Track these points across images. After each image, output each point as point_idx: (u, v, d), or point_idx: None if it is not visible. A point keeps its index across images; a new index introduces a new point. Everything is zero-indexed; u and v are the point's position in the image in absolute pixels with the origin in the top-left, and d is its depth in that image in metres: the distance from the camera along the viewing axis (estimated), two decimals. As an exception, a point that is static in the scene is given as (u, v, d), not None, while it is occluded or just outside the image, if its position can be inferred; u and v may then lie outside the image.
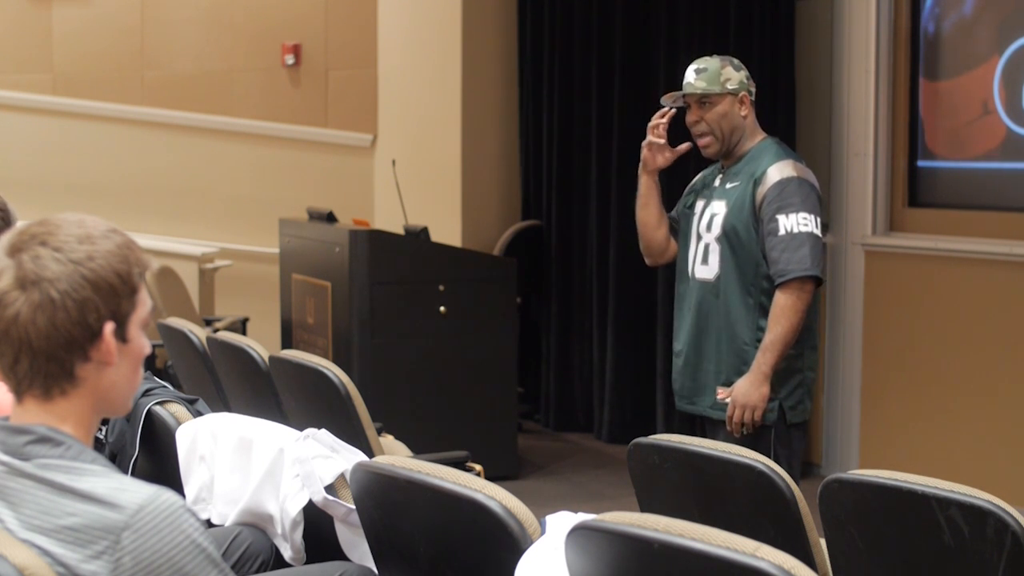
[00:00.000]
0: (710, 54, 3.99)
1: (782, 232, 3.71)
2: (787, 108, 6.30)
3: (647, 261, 4.19)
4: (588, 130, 7.03)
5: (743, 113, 3.87)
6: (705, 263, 3.87)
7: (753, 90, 3.92)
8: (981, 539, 2.33)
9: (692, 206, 3.99)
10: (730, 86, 3.85)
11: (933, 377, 5.87)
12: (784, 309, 3.70)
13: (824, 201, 6.20)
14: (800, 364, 3.81)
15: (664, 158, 4.01)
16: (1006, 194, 5.83)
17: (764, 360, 3.71)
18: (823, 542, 2.68)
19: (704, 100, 3.86)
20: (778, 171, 3.77)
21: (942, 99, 6.04)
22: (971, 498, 2.35)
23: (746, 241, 3.78)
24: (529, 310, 7.28)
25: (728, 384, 3.81)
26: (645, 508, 2.95)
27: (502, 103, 7.40)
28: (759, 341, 3.77)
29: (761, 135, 3.92)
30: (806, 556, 2.62)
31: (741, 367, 3.79)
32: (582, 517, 2.11)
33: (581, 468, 6.52)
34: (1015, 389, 5.57)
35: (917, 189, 6.14)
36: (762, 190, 3.77)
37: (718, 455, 2.79)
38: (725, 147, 3.88)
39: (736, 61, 3.92)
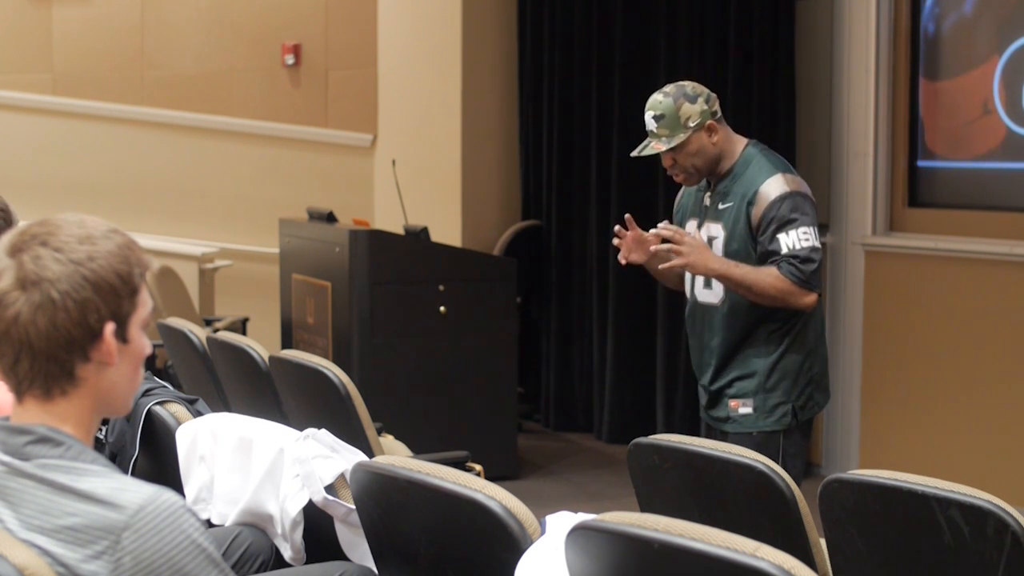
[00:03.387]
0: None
1: (784, 251, 3.68)
2: (787, 108, 6.30)
3: None
4: (588, 130, 7.03)
5: (714, 140, 3.76)
6: (708, 287, 3.83)
7: (717, 110, 3.79)
8: (981, 539, 2.33)
9: (686, 226, 3.93)
10: (692, 123, 3.74)
11: (933, 377, 5.87)
12: (773, 282, 3.65)
13: (824, 201, 6.24)
14: (807, 365, 3.81)
15: (640, 256, 3.83)
16: (1006, 194, 5.83)
17: (732, 268, 3.68)
18: (823, 542, 2.68)
19: (672, 149, 3.77)
20: (771, 188, 3.71)
21: (942, 99, 6.04)
22: (971, 498, 2.35)
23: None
24: (529, 310, 7.28)
25: (740, 396, 3.80)
26: (645, 508, 2.96)
27: (502, 103, 7.40)
28: (773, 361, 3.77)
29: (741, 144, 3.82)
30: (806, 556, 2.62)
31: (753, 380, 3.79)
32: (582, 517, 2.11)
33: (581, 468, 6.52)
34: (1015, 389, 5.58)
35: (917, 189, 6.14)
36: (758, 210, 3.71)
37: (718, 455, 2.79)
38: (704, 176, 3.84)
39: (689, 89, 3.78)
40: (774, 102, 6.27)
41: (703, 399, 3.96)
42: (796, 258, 3.67)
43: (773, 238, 3.69)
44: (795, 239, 3.68)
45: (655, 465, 2.93)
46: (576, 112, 7.10)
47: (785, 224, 3.69)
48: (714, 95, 3.82)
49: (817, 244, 3.71)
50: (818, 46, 6.29)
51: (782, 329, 3.78)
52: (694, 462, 2.85)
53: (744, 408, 3.80)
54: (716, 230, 3.81)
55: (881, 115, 6.08)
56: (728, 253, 3.77)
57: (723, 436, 3.85)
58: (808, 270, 3.67)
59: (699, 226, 3.87)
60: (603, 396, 6.97)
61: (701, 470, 2.84)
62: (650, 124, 3.81)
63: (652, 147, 3.80)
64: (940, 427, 5.84)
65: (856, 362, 6.18)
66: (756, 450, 2.90)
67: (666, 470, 2.91)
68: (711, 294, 3.84)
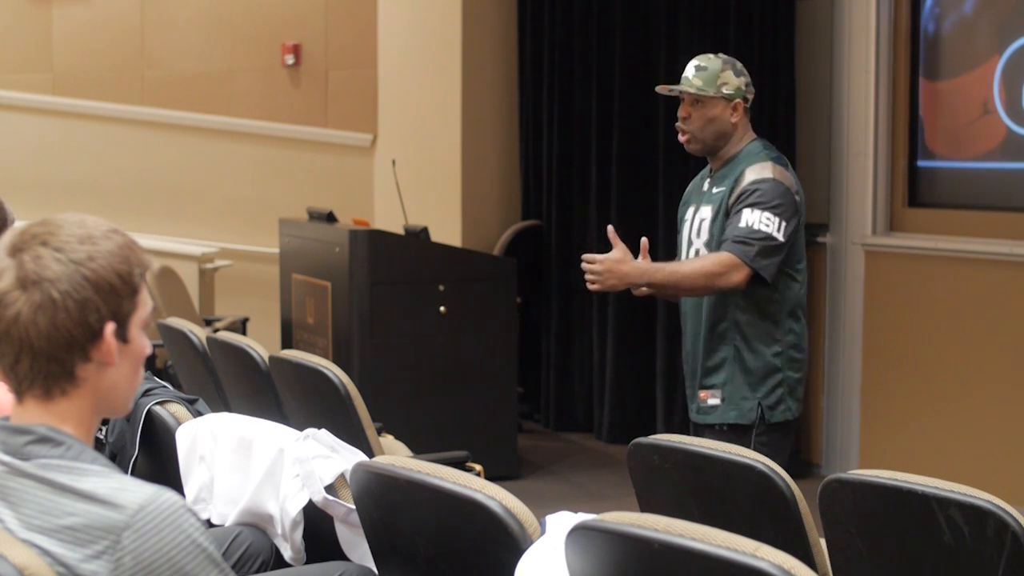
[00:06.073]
0: (716, 52, 3.97)
1: (742, 224, 3.68)
2: (787, 108, 6.30)
3: None
4: (588, 130, 7.03)
5: (733, 120, 3.82)
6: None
7: (751, 97, 3.87)
8: (981, 539, 2.33)
9: (685, 214, 3.98)
10: (726, 91, 3.81)
11: (933, 376, 5.87)
12: (705, 267, 3.67)
13: (824, 201, 6.24)
14: (779, 363, 3.79)
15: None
16: (1006, 194, 5.83)
17: (654, 273, 3.70)
18: (823, 542, 2.68)
19: (697, 99, 3.83)
20: (755, 172, 3.75)
21: (942, 99, 6.04)
22: (971, 498, 2.35)
23: None
24: (529, 310, 7.28)
25: (709, 387, 3.81)
26: (645, 508, 2.95)
27: (502, 103, 7.40)
28: (745, 353, 3.76)
29: (750, 137, 3.88)
30: (806, 556, 2.62)
31: (723, 372, 3.79)
32: (582, 517, 2.11)
33: (581, 468, 6.52)
34: (1015, 389, 5.57)
35: (917, 189, 6.14)
36: (737, 190, 3.75)
37: (718, 455, 2.79)
38: (706, 149, 3.87)
39: (739, 66, 3.87)
40: (774, 102, 6.26)
41: (688, 387, 3.97)
42: (751, 234, 3.65)
43: (738, 212, 3.71)
44: (757, 218, 3.67)
45: (655, 465, 2.93)
46: (576, 112, 7.10)
47: (754, 204, 3.69)
48: (753, 90, 3.88)
49: (776, 235, 3.67)
50: (818, 46, 6.29)
51: (759, 322, 3.78)
52: (694, 462, 2.85)
53: (712, 399, 3.80)
54: (706, 212, 3.85)
55: (881, 115, 6.08)
56: (712, 232, 3.80)
57: (696, 429, 3.86)
58: (752, 249, 3.65)
59: (695, 211, 3.90)
60: (603, 396, 6.97)
61: (701, 470, 2.84)
62: (689, 71, 3.85)
63: (683, 87, 3.83)
64: (940, 427, 5.84)
65: (856, 362, 6.17)
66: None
67: (666, 470, 2.91)
68: None
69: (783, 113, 6.29)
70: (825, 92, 6.28)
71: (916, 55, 6.08)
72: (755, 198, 3.70)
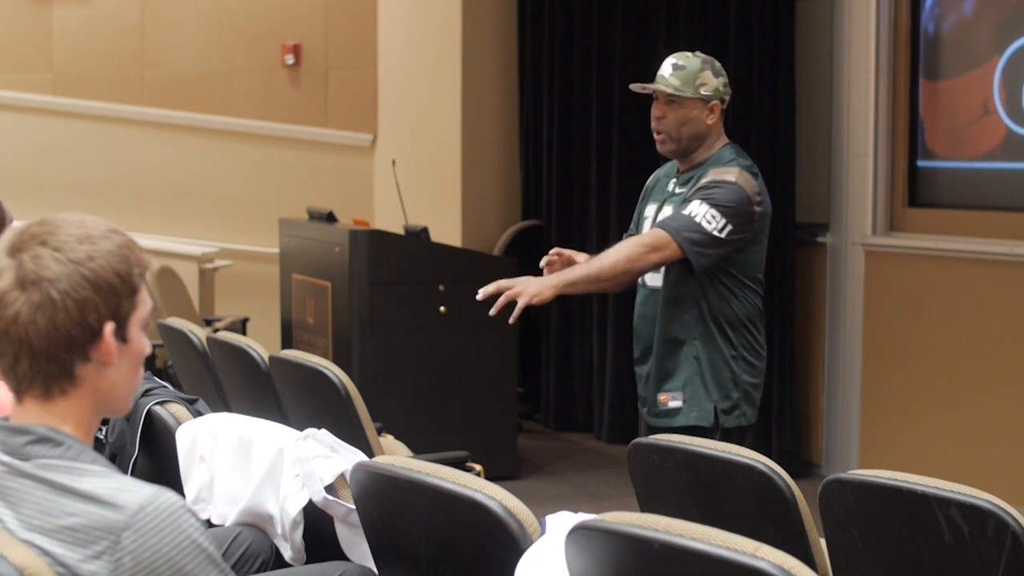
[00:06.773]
0: (712, 52, 3.93)
1: (685, 212, 3.61)
2: (787, 108, 6.30)
3: None
4: (588, 130, 7.03)
5: (709, 121, 3.74)
6: (656, 270, 3.76)
7: (727, 99, 3.80)
8: (981, 539, 2.33)
9: (645, 210, 3.92)
10: (704, 92, 3.73)
11: (933, 377, 5.87)
12: (626, 249, 3.62)
13: (824, 201, 6.24)
14: (736, 368, 3.74)
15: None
16: (1006, 194, 5.83)
17: (572, 274, 3.66)
18: (823, 542, 2.68)
19: (673, 99, 3.75)
20: (722, 172, 3.68)
21: (942, 99, 6.04)
22: (971, 498, 2.35)
23: None
24: (529, 310, 7.26)
25: (669, 390, 3.77)
26: (645, 508, 2.95)
27: (502, 103, 7.40)
28: (705, 355, 3.74)
29: (723, 142, 3.81)
30: (806, 556, 2.62)
31: (682, 374, 3.76)
32: (582, 517, 2.11)
33: (581, 468, 6.52)
34: (1015, 389, 5.57)
35: (917, 189, 6.14)
36: (697, 187, 3.70)
37: (718, 455, 2.79)
38: (680, 150, 3.79)
39: (718, 66, 3.79)
40: (774, 102, 6.26)
41: (642, 390, 3.91)
42: (689, 221, 3.58)
43: (688, 203, 3.63)
44: (703, 212, 3.59)
45: (655, 465, 2.93)
46: (576, 112, 7.10)
47: (705, 199, 3.62)
48: (730, 91, 3.82)
49: (716, 233, 3.58)
50: (818, 46, 6.29)
51: (716, 327, 3.73)
52: (694, 462, 2.85)
53: (674, 402, 3.75)
54: (669, 212, 3.77)
55: (881, 115, 6.08)
56: None
57: (649, 429, 3.80)
58: (684, 230, 3.57)
59: (657, 209, 3.84)
60: (603, 396, 6.97)
61: (701, 470, 2.84)
62: (665, 69, 3.78)
63: (659, 86, 3.76)
64: (940, 427, 5.84)
65: (856, 362, 6.17)
66: None
67: (666, 470, 2.91)
68: (656, 278, 3.79)
69: (783, 113, 6.29)
70: (825, 92, 6.28)
71: (916, 55, 6.07)
72: (707, 194, 3.63)
